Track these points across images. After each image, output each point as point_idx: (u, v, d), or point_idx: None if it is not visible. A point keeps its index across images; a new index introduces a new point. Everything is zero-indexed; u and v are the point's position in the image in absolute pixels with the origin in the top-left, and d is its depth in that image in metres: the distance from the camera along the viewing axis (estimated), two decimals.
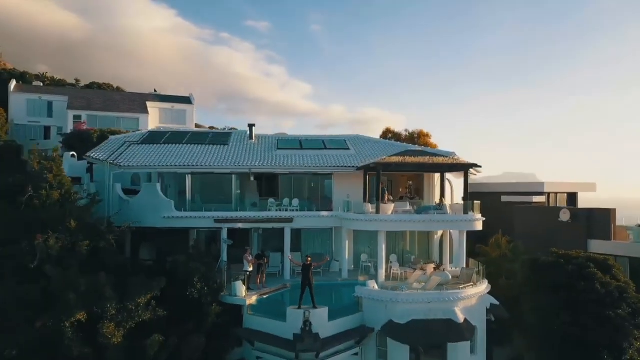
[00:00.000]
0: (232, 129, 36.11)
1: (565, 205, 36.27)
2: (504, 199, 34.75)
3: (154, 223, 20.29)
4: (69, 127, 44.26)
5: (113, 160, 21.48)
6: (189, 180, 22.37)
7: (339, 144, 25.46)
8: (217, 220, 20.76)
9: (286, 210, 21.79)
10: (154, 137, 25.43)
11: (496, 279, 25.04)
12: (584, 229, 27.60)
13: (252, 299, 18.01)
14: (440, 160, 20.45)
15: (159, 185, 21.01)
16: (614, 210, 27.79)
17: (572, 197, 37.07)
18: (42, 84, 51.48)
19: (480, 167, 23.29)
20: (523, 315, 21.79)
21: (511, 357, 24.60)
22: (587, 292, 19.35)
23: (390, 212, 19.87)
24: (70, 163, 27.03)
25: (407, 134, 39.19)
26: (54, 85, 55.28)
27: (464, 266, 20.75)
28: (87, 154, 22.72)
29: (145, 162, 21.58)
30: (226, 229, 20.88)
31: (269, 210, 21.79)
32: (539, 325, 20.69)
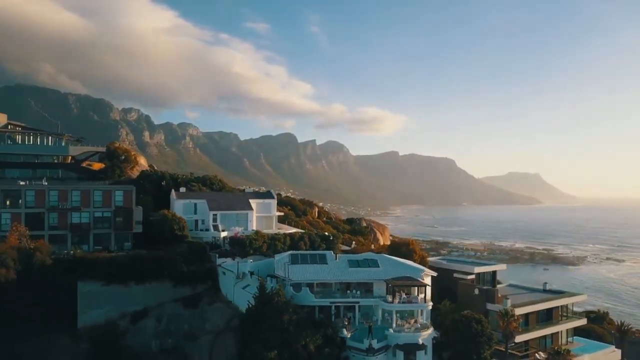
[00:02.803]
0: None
1: (495, 276, 70.82)
2: (455, 275, 68.84)
3: (307, 303, 54.64)
4: (210, 221, 78.64)
5: (289, 277, 55.91)
6: (315, 284, 56.91)
7: (374, 263, 59.82)
8: (331, 302, 55.24)
9: (355, 297, 56.22)
10: (294, 258, 59.78)
11: (444, 321, 59.51)
12: (484, 298, 61.95)
13: (349, 334, 52.54)
14: (416, 282, 54.87)
15: (308, 289, 55.40)
16: (497, 289, 62.33)
17: (494, 273, 71.24)
18: (185, 188, 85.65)
19: (428, 284, 57.91)
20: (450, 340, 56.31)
21: (450, 356, 58.95)
22: (467, 332, 53.77)
23: (397, 301, 54.30)
24: (250, 266, 61.65)
25: (403, 241, 73.95)
26: (188, 181, 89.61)
27: (425, 321, 55.20)
28: (269, 275, 57.01)
29: (300, 278, 56.04)
30: (333, 306, 55.39)
31: (349, 297, 56.25)
32: (454, 345, 55.14)
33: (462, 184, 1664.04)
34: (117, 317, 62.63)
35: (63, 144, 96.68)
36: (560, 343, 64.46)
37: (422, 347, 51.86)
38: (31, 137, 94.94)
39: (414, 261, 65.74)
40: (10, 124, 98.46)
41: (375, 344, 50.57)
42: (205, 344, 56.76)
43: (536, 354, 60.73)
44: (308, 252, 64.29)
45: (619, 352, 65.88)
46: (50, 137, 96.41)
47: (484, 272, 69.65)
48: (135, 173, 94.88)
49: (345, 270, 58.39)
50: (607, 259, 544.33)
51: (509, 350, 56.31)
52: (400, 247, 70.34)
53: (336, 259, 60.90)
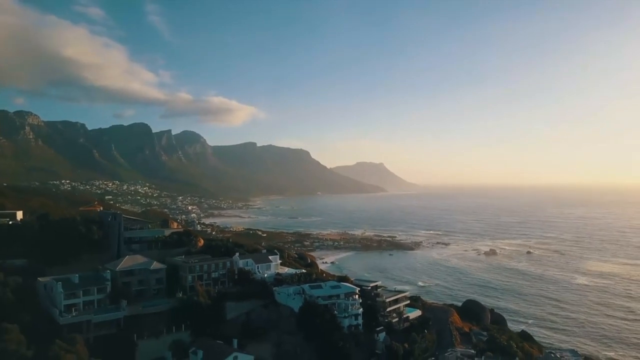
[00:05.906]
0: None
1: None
2: (363, 287, 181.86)
3: (320, 303, 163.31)
4: (256, 269, 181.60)
5: (312, 294, 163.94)
6: (321, 296, 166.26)
7: (339, 286, 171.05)
8: (327, 302, 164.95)
9: (334, 300, 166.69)
10: (312, 287, 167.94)
11: (363, 305, 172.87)
12: (376, 295, 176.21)
13: (336, 312, 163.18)
14: (354, 293, 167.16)
15: (320, 298, 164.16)
16: (379, 291, 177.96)
17: (376, 286, 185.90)
18: (237, 253, 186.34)
19: (357, 292, 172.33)
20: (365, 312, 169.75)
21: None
22: (370, 308, 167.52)
23: (350, 300, 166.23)
24: (292, 290, 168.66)
25: (342, 276, 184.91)
26: (233, 247, 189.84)
27: (358, 306, 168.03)
28: (299, 293, 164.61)
29: (316, 294, 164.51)
30: (328, 303, 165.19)
31: (332, 300, 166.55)
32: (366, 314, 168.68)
33: (316, 174, 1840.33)
34: (239, 314, 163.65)
35: (157, 228, 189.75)
36: (401, 310, 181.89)
37: (359, 315, 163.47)
38: (141, 225, 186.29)
39: (350, 283, 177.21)
40: (124, 216, 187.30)
41: (344, 315, 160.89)
42: (280, 322, 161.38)
43: (393, 314, 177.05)
44: (315, 283, 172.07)
45: (419, 312, 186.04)
46: (149, 225, 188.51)
47: (375, 285, 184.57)
48: (200, 243, 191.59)
49: (330, 289, 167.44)
50: (437, 243, 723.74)
51: (386, 314, 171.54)
52: (345, 279, 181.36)
53: (325, 285, 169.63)
